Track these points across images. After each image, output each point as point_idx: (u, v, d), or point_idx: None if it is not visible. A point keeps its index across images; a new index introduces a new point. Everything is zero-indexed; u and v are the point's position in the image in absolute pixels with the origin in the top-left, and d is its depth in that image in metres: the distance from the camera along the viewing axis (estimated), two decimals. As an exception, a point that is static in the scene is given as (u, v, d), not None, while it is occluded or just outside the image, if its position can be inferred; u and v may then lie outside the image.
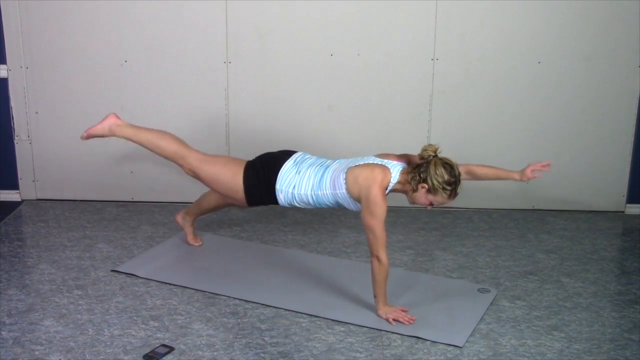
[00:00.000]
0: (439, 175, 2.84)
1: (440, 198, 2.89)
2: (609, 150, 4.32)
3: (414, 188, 2.90)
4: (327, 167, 3.06)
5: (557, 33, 4.13)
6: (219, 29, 4.14)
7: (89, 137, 3.27)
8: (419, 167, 2.90)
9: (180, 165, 3.21)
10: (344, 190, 2.96)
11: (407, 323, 2.90)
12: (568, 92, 4.22)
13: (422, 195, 2.91)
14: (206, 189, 3.44)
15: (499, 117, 4.27)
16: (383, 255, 2.88)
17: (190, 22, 4.13)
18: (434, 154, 2.89)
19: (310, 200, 3.05)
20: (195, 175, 3.19)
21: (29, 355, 2.65)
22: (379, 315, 2.95)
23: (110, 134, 3.24)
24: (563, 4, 4.08)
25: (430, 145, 2.93)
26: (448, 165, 2.87)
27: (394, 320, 2.90)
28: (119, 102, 4.26)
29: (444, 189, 2.85)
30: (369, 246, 2.91)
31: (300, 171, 3.06)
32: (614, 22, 4.09)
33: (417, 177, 2.88)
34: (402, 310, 2.95)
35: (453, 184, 2.86)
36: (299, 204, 3.09)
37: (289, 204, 3.10)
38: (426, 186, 2.87)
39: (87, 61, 4.19)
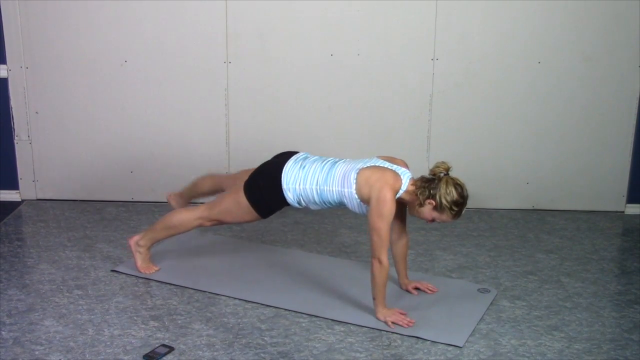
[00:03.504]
0: (449, 194, 2.84)
1: (445, 217, 2.89)
2: (609, 150, 4.32)
3: (421, 202, 2.90)
4: (334, 163, 3.05)
5: (557, 33, 4.13)
6: (219, 29, 4.14)
7: (144, 268, 3.37)
8: (429, 182, 2.89)
9: (200, 225, 3.28)
10: (353, 190, 2.95)
11: (406, 326, 2.89)
12: (568, 92, 4.23)
13: (427, 211, 2.91)
14: (200, 173, 3.58)
15: (499, 117, 4.27)
16: (384, 257, 2.88)
17: (190, 22, 4.13)
18: (445, 172, 2.90)
19: (315, 197, 3.04)
20: (215, 222, 3.25)
21: (29, 355, 2.65)
22: (377, 318, 2.95)
23: (143, 249, 3.37)
24: (563, 4, 4.08)
25: (443, 162, 2.93)
26: (459, 186, 2.87)
27: (392, 323, 2.90)
28: (119, 102, 4.26)
29: (450, 208, 2.86)
30: (372, 247, 2.90)
31: (304, 167, 3.05)
32: (614, 22, 4.09)
33: (426, 193, 2.87)
34: (401, 313, 2.95)
35: (461, 205, 2.87)
36: (304, 201, 3.08)
37: (298, 203, 3.10)
38: (434, 203, 2.87)
39: (87, 61, 4.19)
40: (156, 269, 3.38)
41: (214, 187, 3.50)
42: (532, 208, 4.42)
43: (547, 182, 4.38)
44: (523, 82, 4.21)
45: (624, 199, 4.40)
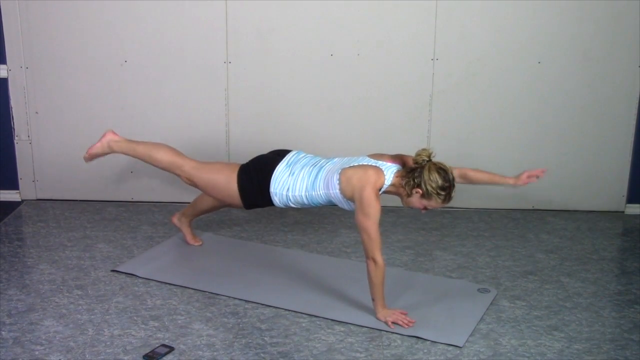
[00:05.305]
0: (433, 180, 2.83)
1: (434, 202, 2.88)
2: (609, 150, 4.32)
3: (408, 193, 2.90)
4: (321, 167, 3.06)
5: (557, 33, 4.13)
6: (219, 29, 4.14)
7: (91, 157, 3.36)
8: (412, 171, 2.89)
9: (178, 175, 3.27)
10: (337, 191, 2.96)
11: (407, 326, 2.89)
12: (568, 92, 4.22)
13: (416, 200, 2.91)
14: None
15: (499, 117, 4.27)
16: (379, 256, 2.87)
17: (190, 22, 4.13)
18: (427, 159, 2.89)
19: (305, 201, 3.07)
20: (192, 183, 3.25)
21: (29, 355, 2.65)
22: (377, 319, 2.95)
23: (110, 151, 3.35)
24: (563, 4, 4.08)
25: (424, 149, 2.92)
26: (442, 171, 2.85)
27: (392, 323, 2.90)
28: (119, 102, 4.26)
29: (438, 194, 2.85)
30: (364, 248, 2.90)
31: (293, 173, 3.06)
32: (613, 22, 4.09)
33: (411, 182, 2.88)
34: (402, 313, 2.95)
35: (447, 189, 2.86)
36: (293, 204, 3.10)
37: (284, 205, 3.12)
38: (420, 191, 2.86)
39: (87, 61, 4.19)
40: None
41: (214, 203, 3.49)
42: (532, 208, 4.42)
43: (547, 182, 4.37)
44: (523, 82, 4.21)
45: (624, 199, 4.40)
